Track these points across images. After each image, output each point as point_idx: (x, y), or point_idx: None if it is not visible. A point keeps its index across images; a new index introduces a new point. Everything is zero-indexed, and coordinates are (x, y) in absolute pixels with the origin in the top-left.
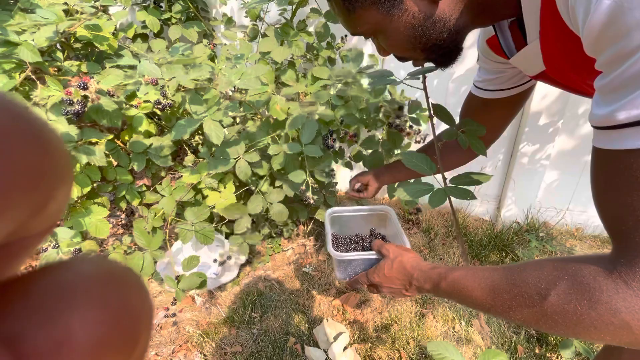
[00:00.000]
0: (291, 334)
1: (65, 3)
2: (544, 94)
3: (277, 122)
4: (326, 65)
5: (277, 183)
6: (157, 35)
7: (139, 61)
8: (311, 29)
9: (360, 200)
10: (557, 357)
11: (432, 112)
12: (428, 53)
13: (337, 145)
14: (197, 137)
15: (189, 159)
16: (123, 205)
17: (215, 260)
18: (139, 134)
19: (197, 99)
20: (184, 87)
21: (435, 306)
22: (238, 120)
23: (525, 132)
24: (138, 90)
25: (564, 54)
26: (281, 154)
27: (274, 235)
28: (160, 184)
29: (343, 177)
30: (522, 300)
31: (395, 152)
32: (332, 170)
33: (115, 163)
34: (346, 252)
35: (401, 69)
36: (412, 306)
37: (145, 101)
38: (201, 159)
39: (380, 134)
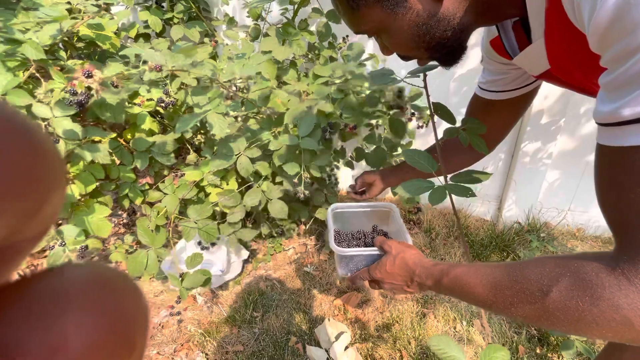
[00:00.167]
0: (292, 333)
1: (69, 2)
2: (545, 94)
3: (279, 119)
4: (328, 64)
5: (278, 179)
6: (159, 35)
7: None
8: (313, 28)
9: (361, 201)
10: (558, 357)
11: (432, 110)
12: (432, 52)
13: (335, 135)
14: (199, 136)
15: (191, 157)
16: (126, 203)
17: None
18: (141, 132)
19: (199, 91)
20: (186, 85)
21: (436, 306)
22: (240, 119)
23: (527, 131)
24: (142, 78)
25: (569, 53)
26: (282, 149)
27: (275, 234)
28: (163, 182)
29: (344, 177)
30: (524, 297)
31: (398, 150)
32: (333, 169)
33: (118, 161)
34: (348, 247)
35: (402, 69)
36: (413, 306)
37: (148, 99)
38: (203, 157)
39: (382, 133)
